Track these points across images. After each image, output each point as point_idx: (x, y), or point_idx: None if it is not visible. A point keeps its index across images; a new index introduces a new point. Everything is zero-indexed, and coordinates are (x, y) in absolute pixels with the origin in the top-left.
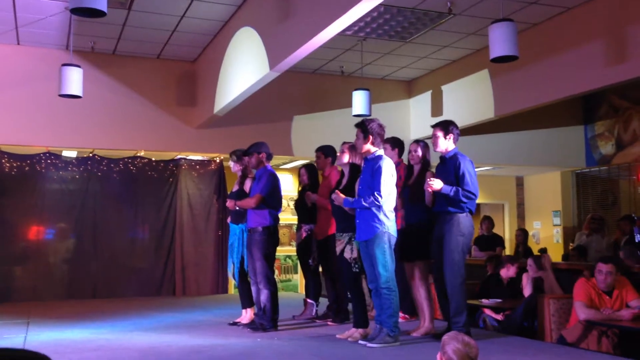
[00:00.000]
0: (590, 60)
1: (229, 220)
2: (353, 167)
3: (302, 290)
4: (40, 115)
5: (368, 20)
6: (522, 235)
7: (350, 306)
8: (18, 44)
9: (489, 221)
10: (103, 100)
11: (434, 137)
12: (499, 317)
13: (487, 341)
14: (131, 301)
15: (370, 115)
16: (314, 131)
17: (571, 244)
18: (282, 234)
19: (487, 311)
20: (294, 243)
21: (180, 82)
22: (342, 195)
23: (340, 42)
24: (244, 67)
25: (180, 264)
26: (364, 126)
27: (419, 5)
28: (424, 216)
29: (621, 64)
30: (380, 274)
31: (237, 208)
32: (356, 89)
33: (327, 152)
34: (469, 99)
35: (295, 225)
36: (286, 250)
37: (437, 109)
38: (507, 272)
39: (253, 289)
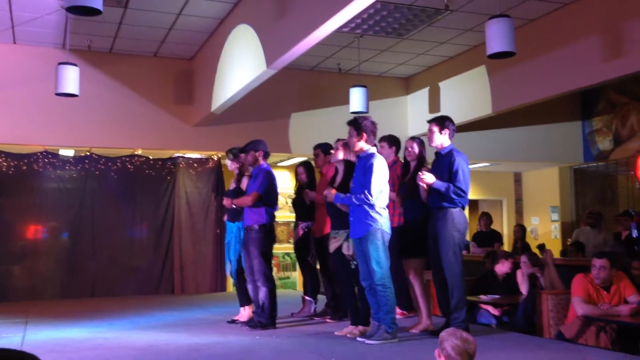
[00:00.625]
0: (588, 56)
1: (225, 218)
2: (347, 164)
3: (300, 287)
4: (37, 114)
5: (365, 17)
6: (520, 231)
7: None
8: (14, 42)
9: (487, 217)
10: (100, 98)
11: (429, 132)
12: (497, 312)
13: (485, 337)
14: (129, 300)
15: (367, 112)
16: (312, 128)
17: (569, 240)
18: (280, 231)
19: (485, 307)
20: (292, 240)
21: (178, 80)
22: (334, 191)
23: (337, 39)
24: (241, 65)
25: (179, 262)
26: (357, 123)
27: (416, 1)
28: (419, 213)
29: (618, 59)
30: (374, 271)
31: (234, 206)
32: (353, 86)
33: (325, 150)
34: (467, 95)
35: (293, 223)
36: (285, 248)
37: (434, 105)
38: (502, 267)
39: (249, 287)
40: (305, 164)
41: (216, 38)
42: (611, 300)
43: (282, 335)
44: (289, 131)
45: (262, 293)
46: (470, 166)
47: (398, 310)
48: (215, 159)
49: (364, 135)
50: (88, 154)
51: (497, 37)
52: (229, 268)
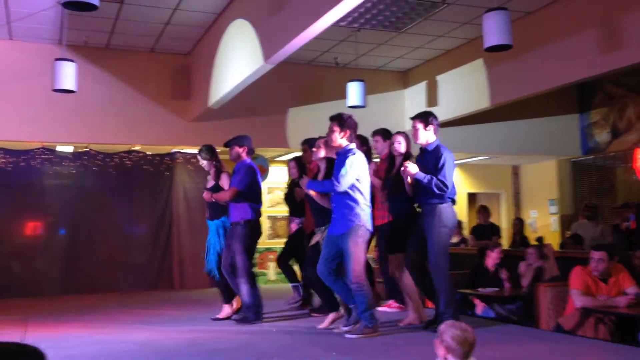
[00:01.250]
0: (585, 48)
1: (206, 216)
2: (330, 161)
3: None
4: (35, 111)
5: (362, 10)
6: (518, 224)
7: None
8: (10, 38)
9: (485, 210)
10: (97, 94)
11: (413, 129)
12: (480, 306)
13: (483, 329)
14: (129, 295)
15: (365, 106)
16: (309, 123)
17: (568, 232)
18: (280, 226)
19: (478, 301)
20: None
21: (175, 76)
22: (306, 179)
23: (334, 33)
24: (238, 60)
25: (178, 257)
26: (342, 119)
27: None
28: (404, 208)
29: (615, 52)
30: (351, 269)
31: (214, 200)
32: (351, 80)
33: (312, 145)
34: (464, 88)
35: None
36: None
37: (432, 99)
38: (489, 260)
39: (230, 282)
40: (296, 159)
41: (213, 33)
42: (609, 292)
43: (283, 329)
44: (286, 126)
45: (244, 289)
46: (468, 160)
47: (394, 304)
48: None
49: (348, 132)
50: (86, 150)
51: (494, 30)
52: (208, 267)
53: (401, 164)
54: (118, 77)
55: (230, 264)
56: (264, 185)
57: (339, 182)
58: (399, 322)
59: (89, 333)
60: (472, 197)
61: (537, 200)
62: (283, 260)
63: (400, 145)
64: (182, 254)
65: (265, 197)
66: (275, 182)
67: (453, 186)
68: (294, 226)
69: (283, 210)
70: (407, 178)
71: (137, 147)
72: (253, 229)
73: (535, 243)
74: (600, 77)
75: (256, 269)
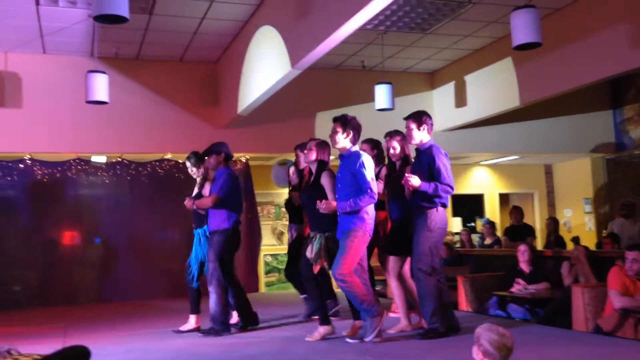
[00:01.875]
0: (616, 44)
1: (193, 225)
2: (320, 164)
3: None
4: (69, 123)
5: (388, 13)
6: (552, 224)
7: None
8: (44, 52)
9: (518, 211)
10: (129, 105)
11: (407, 129)
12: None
13: (519, 331)
14: (164, 303)
15: (393, 108)
16: None
17: (604, 231)
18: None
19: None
20: None
21: (204, 84)
22: (333, 203)
23: (360, 37)
24: (266, 66)
25: None
26: (345, 120)
27: None
28: (403, 212)
29: None
30: (337, 262)
31: (195, 207)
32: (378, 83)
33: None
34: (493, 88)
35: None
36: None
37: (460, 99)
38: (521, 256)
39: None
40: (296, 165)
41: (240, 40)
42: None
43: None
44: (315, 130)
45: (212, 299)
46: (499, 160)
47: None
48: (244, 160)
49: (350, 132)
50: (119, 159)
51: (522, 28)
52: (189, 275)
53: (400, 169)
54: (148, 87)
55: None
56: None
57: (372, 191)
58: (390, 329)
59: (125, 341)
60: (504, 198)
61: (572, 199)
62: (290, 272)
63: (396, 151)
64: None
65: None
66: None
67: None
68: (294, 233)
69: None
70: (409, 188)
71: (169, 156)
72: (231, 238)
73: (571, 243)
74: (632, 72)
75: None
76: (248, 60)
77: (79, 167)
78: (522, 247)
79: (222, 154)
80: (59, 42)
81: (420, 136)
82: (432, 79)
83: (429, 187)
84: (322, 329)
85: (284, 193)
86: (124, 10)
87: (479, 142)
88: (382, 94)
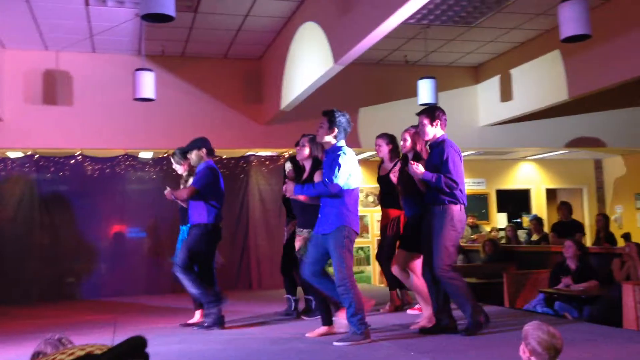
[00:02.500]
0: None
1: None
2: (315, 160)
3: (375, 281)
4: (117, 119)
5: (431, 7)
6: (602, 220)
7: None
8: (93, 51)
9: (566, 207)
10: (174, 101)
11: (420, 125)
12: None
13: (568, 329)
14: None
15: (437, 103)
16: (380, 122)
17: None
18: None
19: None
20: (365, 235)
21: (247, 80)
22: (292, 184)
23: (403, 31)
24: (309, 62)
25: (255, 258)
26: (332, 116)
27: None
28: (417, 207)
29: None
30: (336, 271)
31: (173, 198)
32: (421, 78)
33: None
34: (541, 81)
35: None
36: (358, 242)
37: (506, 93)
38: (567, 252)
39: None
40: (292, 159)
41: (283, 37)
42: None
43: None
44: (357, 126)
45: (187, 285)
46: (546, 154)
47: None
48: (287, 155)
49: (335, 130)
50: (165, 155)
51: (570, 20)
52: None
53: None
54: (193, 84)
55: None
56: None
57: (332, 183)
58: (411, 326)
59: (173, 333)
60: (552, 193)
61: (622, 195)
62: (285, 269)
63: (406, 143)
64: (259, 254)
65: None
66: None
67: (463, 190)
68: (292, 227)
69: (366, 210)
70: (416, 177)
71: None
72: (209, 233)
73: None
74: None
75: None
76: (291, 56)
77: (127, 163)
78: (568, 243)
79: (202, 149)
80: (107, 41)
81: (434, 132)
82: (477, 73)
83: (432, 177)
84: (324, 329)
85: None
86: (170, 9)
87: (525, 137)
88: (425, 88)
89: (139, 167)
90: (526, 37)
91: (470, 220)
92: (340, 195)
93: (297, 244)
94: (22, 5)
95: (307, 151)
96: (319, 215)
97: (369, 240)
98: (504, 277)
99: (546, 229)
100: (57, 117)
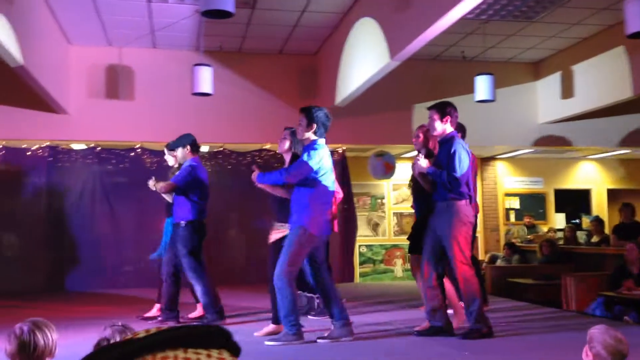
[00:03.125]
0: None
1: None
2: (294, 156)
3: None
4: (175, 113)
5: (491, 1)
6: None
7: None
8: (154, 47)
9: (629, 208)
10: (231, 96)
11: (430, 120)
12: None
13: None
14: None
15: (494, 100)
16: None
17: None
18: (406, 222)
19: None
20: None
21: (302, 76)
22: (257, 171)
23: (461, 27)
24: (364, 58)
25: None
26: (309, 113)
27: None
28: (425, 209)
29: None
30: (277, 266)
31: (155, 189)
32: (479, 74)
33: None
34: (603, 78)
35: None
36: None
37: (567, 90)
38: (629, 255)
39: (165, 285)
40: (294, 156)
41: (339, 32)
42: None
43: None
44: (412, 122)
45: (198, 291)
46: (608, 154)
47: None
48: (340, 151)
49: (314, 126)
50: (221, 149)
51: (637, 15)
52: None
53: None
54: (249, 79)
55: (174, 265)
56: (390, 182)
57: (289, 173)
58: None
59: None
60: (613, 194)
61: None
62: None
63: (418, 140)
64: None
65: (392, 194)
66: (402, 178)
67: (471, 185)
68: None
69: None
70: (416, 173)
71: (268, 146)
72: (195, 230)
73: None
74: None
75: (383, 266)
76: (347, 51)
77: None
78: (630, 246)
79: (187, 146)
80: (167, 37)
81: (443, 127)
82: (537, 69)
83: (434, 172)
84: (272, 327)
85: (380, 184)
86: (229, 5)
87: (586, 135)
88: (482, 85)
89: None
90: (589, 32)
91: (526, 219)
92: (306, 193)
93: (272, 237)
94: (88, 3)
95: (287, 144)
96: (292, 211)
97: None
98: (562, 279)
99: (607, 230)
100: (118, 110)
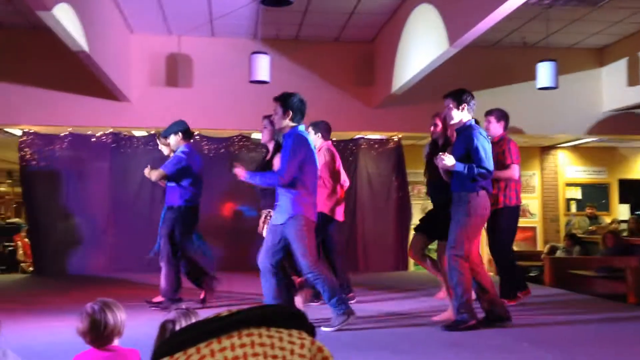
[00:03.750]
0: None
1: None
2: (277, 144)
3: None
4: (232, 101)
5: None
6: None
7: None
8: (212, 35)
9: None
10: (287, 84)
11: (446, 108)
12: None
13: None
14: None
15: (557, 87)
16: (495, 106)
17: None
18: None
19: None
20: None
21: (358, 63)
22: (243, 171)
23: (522, 12)
24: (422, 45)
25: (362, 240)
26: (285, 100)
27: None
28: (441, 194)
29: None
30: (301, 261)
31: (148, 175)
32: (541, 61)
33: (316, 129)
34: None
35: None
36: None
37: (634, 77)
38: None
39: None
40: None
41: (396, 19)
42: None
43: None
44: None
45: (162, 274)
46: None
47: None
48: (396, 139)
49: (290, 113)
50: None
51: None
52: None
53: (440, 149)
54: (306, 67)
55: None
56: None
57: (283, 177)
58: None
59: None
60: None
61: None
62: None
63: (437, 128)
64: (366, 237)
65: None
66: None
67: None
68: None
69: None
70: (441, 168)
71: None
72: (183, 215)
73: None
74: None
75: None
76: (404, 38)
77: (241, 144)
78: None
79: (178, 133)
80: (225, 25)
81: (460, 116)
82: (601, 56)
83: (463, 168)
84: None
85: None
86: None
87: None
88: (545, 72)
89: (252, 148)
90: None
91: (589, 210)
92: (294, 184)
93: (262, 224)
94: None
95: (267, 134)
96: (276, 203)
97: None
98: (627, 272)
99: None
100: (178, 98)
